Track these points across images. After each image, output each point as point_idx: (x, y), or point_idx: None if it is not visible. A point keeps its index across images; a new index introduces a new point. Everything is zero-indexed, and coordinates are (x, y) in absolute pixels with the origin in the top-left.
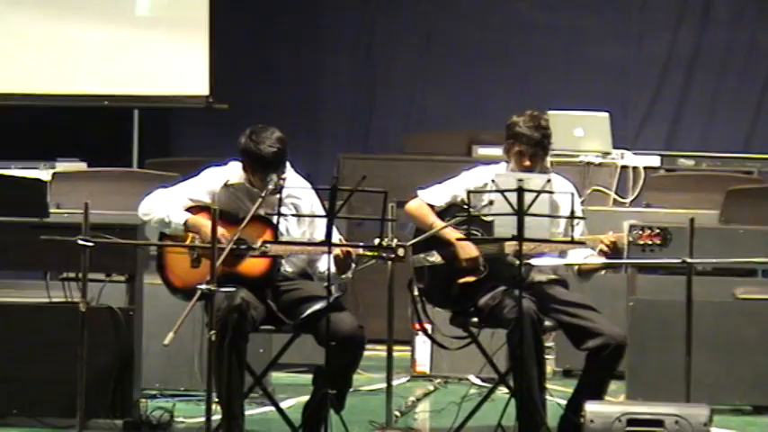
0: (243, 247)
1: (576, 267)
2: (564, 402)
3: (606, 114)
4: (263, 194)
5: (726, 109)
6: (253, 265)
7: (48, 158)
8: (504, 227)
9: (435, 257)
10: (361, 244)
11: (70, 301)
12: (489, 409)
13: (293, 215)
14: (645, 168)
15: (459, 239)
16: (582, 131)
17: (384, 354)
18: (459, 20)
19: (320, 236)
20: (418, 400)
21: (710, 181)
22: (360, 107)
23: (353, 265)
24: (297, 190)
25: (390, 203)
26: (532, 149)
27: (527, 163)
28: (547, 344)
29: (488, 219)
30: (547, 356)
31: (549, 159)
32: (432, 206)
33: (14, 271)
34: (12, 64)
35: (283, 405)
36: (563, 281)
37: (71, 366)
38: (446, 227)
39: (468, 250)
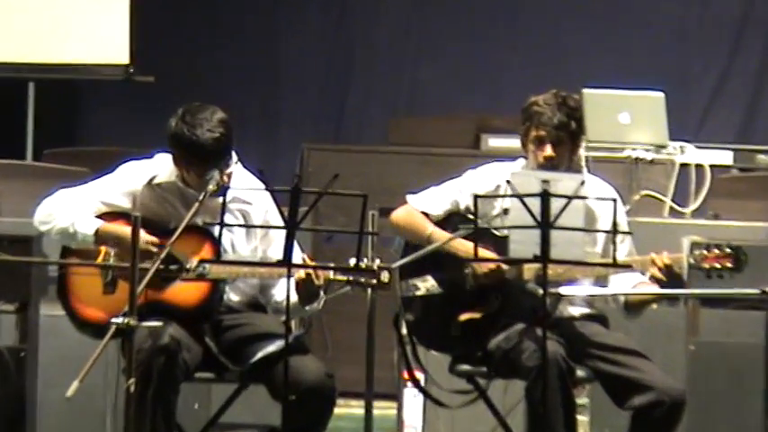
0: (173, 266)
1: (622, 299)
2: None
3: (661, 95)
4: (200, 197)
5: None
6: (186, 292)
7: None
8: (523, 244)
9: (430, 284)
10: (332, 265)
11: None
12: None
13: (241, 225)
14: (712, 167)
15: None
16: (628, 117)
17: (361, 411)
18: None
19: (277, 254)
20: None
21: None
22: (332, 82)
23: (322, 294)
24: (246, 192)
25: (371, 211)
26: (555, 134)
27: (549, 153)
28: (579, 400)
29: (502, 233)
30: (579, 416)
31: (583, 154)
32: (426, 214)
33: None
34: None
35: None
36: (601, 317)
37: None
38: (451, 240)
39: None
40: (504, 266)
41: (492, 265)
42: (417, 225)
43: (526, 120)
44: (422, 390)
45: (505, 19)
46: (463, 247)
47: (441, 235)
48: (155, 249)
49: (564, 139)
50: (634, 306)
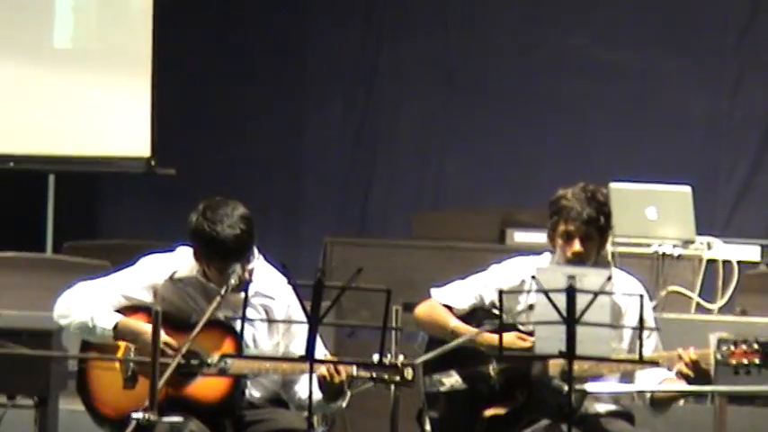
0: (195, 362)
1: (648, 396)
2: None
3: (688, 189)
4: (222, 292)
5: None
6: (207, 388)
7: None
8: (549, 339)
9: (454, 380)
10: (355, 361)
11: None
12: None
13: (263, 320)
14: (739, 263)
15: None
16: (655, 212)
17: None
18: (490, 58)
19: (299, 349)
20: None
21: None
22: (355, 174)
23: (346, 390)
24: (268, 286)
25: (395, 306)
26: (585, 229)
27: (577, 248)
28: None
29: (527, 328)
30: None
31: (609, 249)
32: (450, 308)
33: None
34: None
35: None
36: (628, 414)
37: None
38: (476, 336)
39: (514, 342)
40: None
41: (521, 344)
42: (440, 319)
43: (554, 213)
44: None
45: (532, 112)
46: (487, 341)
47: (464, 329)
48: (171, 352)
49: (593, 235)
50: (661, 403)
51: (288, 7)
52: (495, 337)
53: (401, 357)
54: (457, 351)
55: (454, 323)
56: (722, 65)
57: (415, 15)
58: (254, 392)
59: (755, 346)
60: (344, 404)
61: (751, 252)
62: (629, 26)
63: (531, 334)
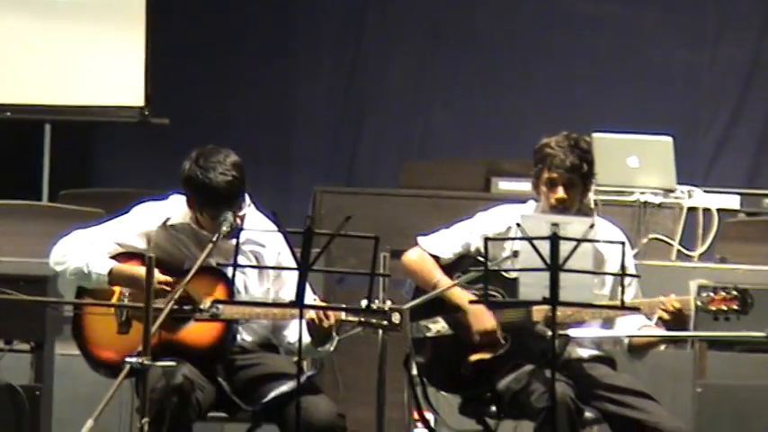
0: (187, 307)
1: (628, 341)
2: None
3: (669, 139)
4: (214, 239)
5: None
6: (199, 333)
7: None
8: (533, 286)
9: (440, 325)
10: (344, 306)
11: None
12: None
13: (254, 267)
14: (719, 211)
15: (471, 302)
16: (637, 161)
17: None
18: (477, 11)
19: (289, 295)
20: None
21: None
22: (344, 126)
23: (335, 335)
24: (259, 233)
25: (383, 253)
26: (568, 176)
27: (561, 195)
28: None
29: (512, 275)
30: None
31: (592, 197)
32: (437, 258)
33: None
34: None
35: None
36: (609, 359)
37: None
38: (454, 286)
39: (482, 319)
40: (500, 331)
41: (488, 327)
42: (426, 272)
43: (538, 162)
44: (432, 431)
45: (517, 64)
46: (462, 298)
47: (447, 283)
48: (168, 289)
49: (576, 182)
50: (638, 348)
51: None
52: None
53: (389, 303)
54: (443, 298)
55: (438, 277)
56: (703, 18)
57: None
58: (245, 337)
59: (734, 293)
60: (333, 348)
61: (730, 201)
62: None
63: (514, 281)
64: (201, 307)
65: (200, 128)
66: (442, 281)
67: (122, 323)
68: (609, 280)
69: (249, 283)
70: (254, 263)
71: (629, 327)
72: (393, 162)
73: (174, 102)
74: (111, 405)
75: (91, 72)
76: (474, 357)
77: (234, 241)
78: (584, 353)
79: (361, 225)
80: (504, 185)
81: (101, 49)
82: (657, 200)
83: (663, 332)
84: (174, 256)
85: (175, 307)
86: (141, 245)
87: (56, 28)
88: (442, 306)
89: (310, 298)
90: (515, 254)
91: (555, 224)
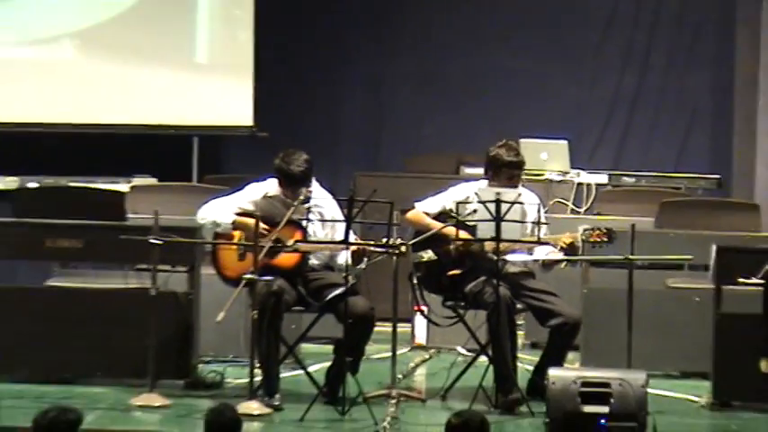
0: (279, 245)
1: (541, 261)
2: (531, 368)
3: (565, 142)
4: (294, 204)
5: (660, 137)
6: (286, 259)
7: (126, 175)
8: (485, 230)
9: (430, 254)
10: (372, 243)
11: (143, 287)
12: (473, 373)
13: (319, 220)
14: (596, 185)
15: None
16: (546, 155)
17: (389, 329)
18: (451, 67)
19: (340, 236)
20: (416, 366)
21: (648, 195)
22: (371, 134)
23: (366, 259)
24: (321, 200)
25: (395, 212)
26: (519, 171)
27: (515, 181)
28: (518, 322)
29: (472, 224)
30: (518, 332)
31: (522, 177)
32: (427, 213)
33: (100, 263)
34: (96, 99)
35: (311, 369)
36: (531, 272)
37: (144, 338)
38: (442, 228)
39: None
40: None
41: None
42: (422, 221)
43: (501, 166)
44: (425, 316)
45: (475, 96)
46: (450, 232)
47: (435, 225)
48: (267, 233)
49: (521, 173)
50: (549, 266)
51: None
52: (451, 231)
53: (399, 240)
54: (431, 238)
55: (428, 222)
56: (583, 68)
57: None
58: (313, 261)
59: (604, 230)
60: (364, 267)
61: (603, 178)
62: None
63: (474, 227)
64: (288, 244)
65: (286, 137)
66: (433, 224)
67: (241, 254)
68: (529, 226)
69: (316, 230)
70: (319, 218)
71: (542, 253)
72: (401, 155)
73: (270, 121)
74: (235, 303)
75: (220, 104)
76: (450, 273)
77: (307, 205)
78: (516, 269)
79: (382, 194)
80: (468, 170)
81: (226, 89)
82: (558, 178)
83: (562, 256)
84: (271, 215)
85: (272, 244)
86: (251, 208)
87: (198, 77)
88: (430, 243)
89: (352, 238)
90: (474, 211)
91: (498, 193)
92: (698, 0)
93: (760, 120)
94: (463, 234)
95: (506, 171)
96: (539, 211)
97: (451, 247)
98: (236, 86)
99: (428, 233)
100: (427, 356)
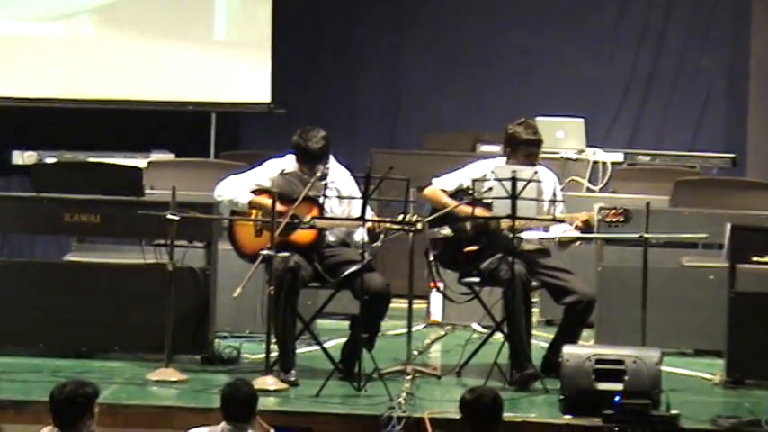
0: (296, 221)
1: (557, 239)
2: (546, 345)
3: (582, 120)
4: (311, 180)
5: (675, 117)
6: (303, 236)
7: (144, 150)
8: (501, 208)
9: (446, 231)
10: (389, 219)
11: (160, 263)
12: (487, 350)
13: (336, 197)
14: (612, 163)
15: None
16: (562, 134)
17: (405, 306)
18: (468, 46)
19: (356, 213)
20: (432, 342)
21: (663, 173)
22: (388, 112)
23: (382, 236)
24: (338, 177)
25: (412, 189)
26: (537, 149)
27: (533, 159)
28: (533, 299)
29: (488, 201)
30: (533, 309)
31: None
32: (444, 191)
33: (117, 238)
34: (115, 75)
35: (326, 345)
36: (546, 250)
37: (160, 313)
38: (458, 205)
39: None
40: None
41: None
42: (438, 198)
43: (521, 143)
44: (442, 292)
45: (492, 76)
46: (465, 210)
47: (451, 203)
48: (283, 211)
49: (540, 151)
50: (564, 244)
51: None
52: (468, 209)
53: (416, 217)
54: (448, 215)
55: (445, 200)
56: (601, 47)
57: None
58: (330, 238)
59: (620, 210)
60: (381, 244)
61: (618, 156)
62: None
63: (490, 204)
64: (305, 221)
65: (303, 114)
66: (450, 202)
67: (257, 231)
68: (546, 204)
69: (333, 207)
70: (336, 194)
71: (558, 231)
72: (418, 133)
73: (288, 99)
74: (252, 279)
75: (238, 81)
76: (467, 249)
77: (324, 182)
78: (532, 247)
79: (399, 172)
80: (484, 148)
81: (244, 67)
82: (574, 157)
83: (578, 234)
84: (288, 191)
85: (289, 221)
86: (268, 184)
87: (217, 55)
88: (447, 219)
89: (369, 215)
90: (491, 189)
91: (514, 171)
92: None
93: None
94: (480, 211)
95: (524, 149)
96: (555, 189)
97: (468, 224)
98: (254, 63)
99: (443, 210)
100: (443, 333)
